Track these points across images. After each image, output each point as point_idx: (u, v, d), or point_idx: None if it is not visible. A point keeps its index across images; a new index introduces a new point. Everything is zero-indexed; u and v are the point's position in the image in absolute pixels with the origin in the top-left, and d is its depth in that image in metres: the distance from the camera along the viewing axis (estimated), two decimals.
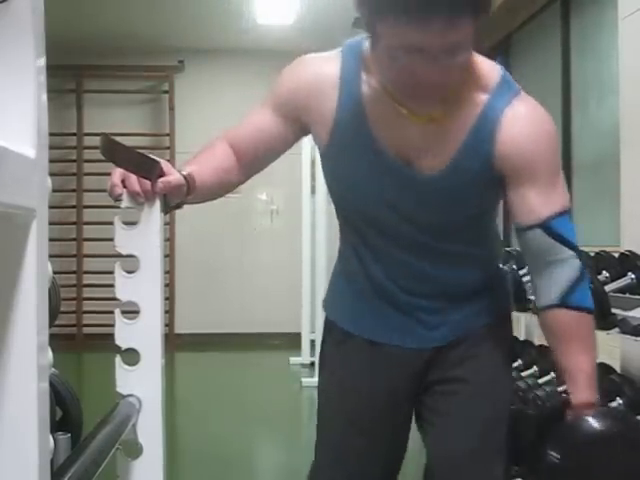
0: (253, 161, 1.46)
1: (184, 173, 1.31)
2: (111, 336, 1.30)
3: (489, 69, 1.34)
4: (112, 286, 1.31)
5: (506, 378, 1.54)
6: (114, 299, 1.32)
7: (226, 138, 1.46)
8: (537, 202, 1.32)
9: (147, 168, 1.27)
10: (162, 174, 1.28)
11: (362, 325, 1.50)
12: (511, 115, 1.30)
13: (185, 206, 1.40)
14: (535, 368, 3.46)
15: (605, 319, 2.80)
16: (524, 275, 2.81)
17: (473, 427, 1.43)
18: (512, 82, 1.35)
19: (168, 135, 7.66)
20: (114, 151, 1.27)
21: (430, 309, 1.46)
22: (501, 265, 1.61)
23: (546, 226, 1.33)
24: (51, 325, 0.94)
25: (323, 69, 1.39)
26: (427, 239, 1.41)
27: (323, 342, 1.59)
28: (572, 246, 1.35)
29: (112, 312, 1.33)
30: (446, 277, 1.44)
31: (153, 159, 1.29)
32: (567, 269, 1.34)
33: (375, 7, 1.20)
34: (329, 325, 1.57)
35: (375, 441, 1.51)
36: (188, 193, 1.32)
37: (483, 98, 1.31)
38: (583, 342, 1.35)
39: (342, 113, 1.35)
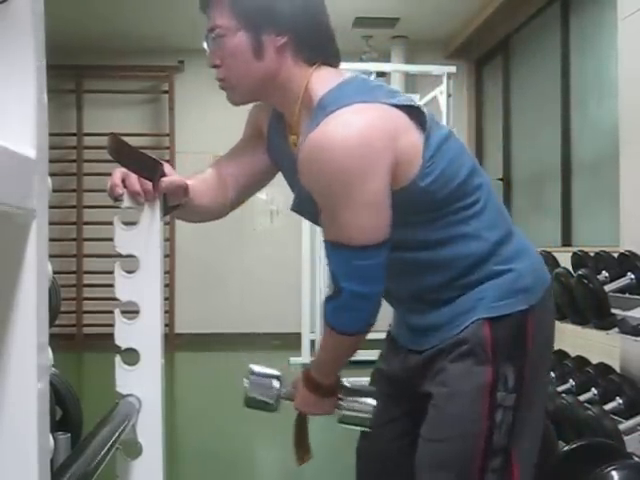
0: (239, 175, 1.56)
1: (181, 178, 1.37)
2: (111, 336, 1.31)
3: (314, 95, 1.36)
4: (112, 286, 1.32)
5: (469, 397, 1.37)
6: (114, 299, 1.32)
7: (215, 163, 1.57)
8: (322, 221, 1.35)
9: (151, 169, 1.29)
10: (163, 175, 1.31)
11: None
12: (307, 142, 1.29)
13: None
14: None
15: (605, 319, 2.81)
16: None
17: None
18: (330, 102, 1.30)
19: (168, 135, 7.66)
20: (121, 151, 1.29)
21: (410, 310, 1.50)
22: (503, 266, 1.40)
23: (325, 246, 1.36)
24: (51, 325, 0.94)
25: None
26: None
27: None
28: (334, 277, 1.36)
29: (112, 312, 1.34)
30: (400, 282, 1.44)
31: (157, 160, 1.31)
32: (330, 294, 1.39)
33: None
34: None
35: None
36: (184, 196, 1.38)
37: (305, 126, 1.36)
38: (325, 345, 1.45)
39: (270, 128, 1.51)
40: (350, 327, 1.38)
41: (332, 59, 1.42)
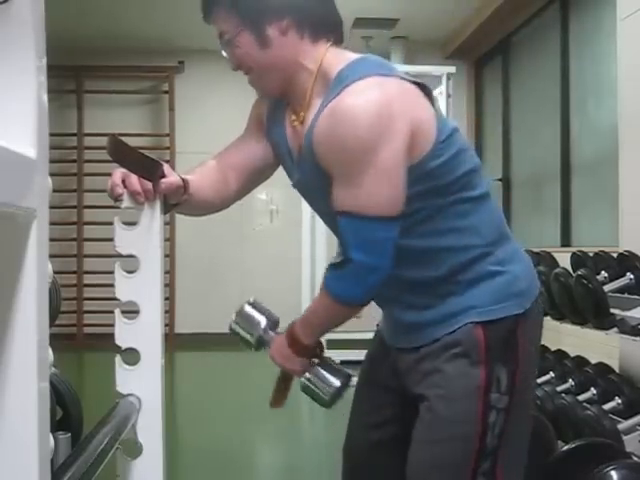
0: (243, 166, 1.56)
1: (181, 176, 1.38)
2: (111, 336, 1.31)
3: (332, 69, 1.38)
4: (112, 286, 1.32)
5: (466, 397, 1.37)
6: (114, 299, 1.32)
7: (217, 156, 1.58)
8: (335, 193, 1.33)
9: (150, 169, 1.30)
10: (163, 175, 1.32)
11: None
12: (327, 111, 1.32)
13: None
14: None
15: (604, 319, 2.81)
16: None
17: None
18: (349, 74, 1.33)
19: (168, 135, 7.66)
20: (121, 152, 1.29)
21: (403, 306, 1.49)
22: (498, 267, 1.40)
23: (338, 218, 1.35)
24: (51, 325, 0.95)
25: None
26: None
27: None
28: (344, 247, 1.35)
29: (112, 312, 1.34)
30: (395, 272, 1.39)
31: (156, 160, 1.31)
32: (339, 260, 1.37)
33: None
34: None
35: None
36: (184, 194, 1.39)
37: (320, 100, 1.38)
38: (316, 309, 1.46)
39: (268, 115, 1.54)
40: (350, 297, 1.38)
41: (335, 33, 1.45)
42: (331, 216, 1.39)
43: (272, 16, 1.37)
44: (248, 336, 1.53)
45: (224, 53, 1.44)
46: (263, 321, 1.53)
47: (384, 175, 1.29)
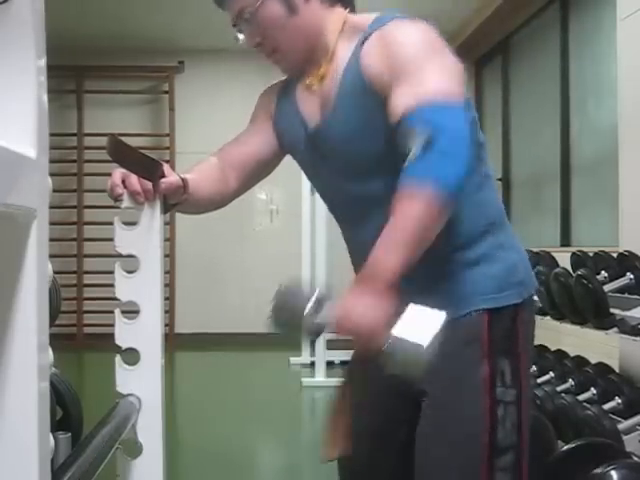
0: (246, 161, 1.54)
1: (181, 176, 1.37)
2: (111, 336, 1.31)
3: (363, 21, 1.38)
4: (112, 286, 1.32)
5: (472, 391, 1.34)
6: (114, 299, 1.32)
7: (218, 151, 1.57)
8: (399, 96, 1.23)
9: (150, 169, 1.30)
10: (163, 175, 1.32)
11: None
12: (375, 34, 1.32)
13: None
14: (534, 368, 3.46)
15: (604, 319, 2.81)
16: None
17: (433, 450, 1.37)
18: (388, 16, 1.35)
19: (168, 135, 7.66)
20: (120, 152, 1.29)
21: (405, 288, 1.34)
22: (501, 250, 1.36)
23: (407, 119, 1.20)
24: (51, 325, 0.95)
25: None
26: (374, 203, 1.33)
27: None
28: (425, 133, 1.15)
29: (112, 312, 1.34)
30: None
31: (156, 160, 1.31)
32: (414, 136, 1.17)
33: None
34: None
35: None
36: (183, 194, 1.38)
37: (357, 38, 1.37)
38: (400, 219, 1.16)
39: (278, 100, 1.53)
40: (451, 177, 1.15)
41: (351, 3, 1.47)
42: (357, 181, 1.36)
43: None
44: (298, 324, 1.20)
45: (239, 35, 1.42)
46: (308, 297, 1.20)
47: (450, 69, 1.27)
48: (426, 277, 1.30)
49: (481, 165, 1.37)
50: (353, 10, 1.47)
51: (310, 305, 1.18)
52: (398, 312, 1.13)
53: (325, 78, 1.41)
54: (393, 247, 1.15)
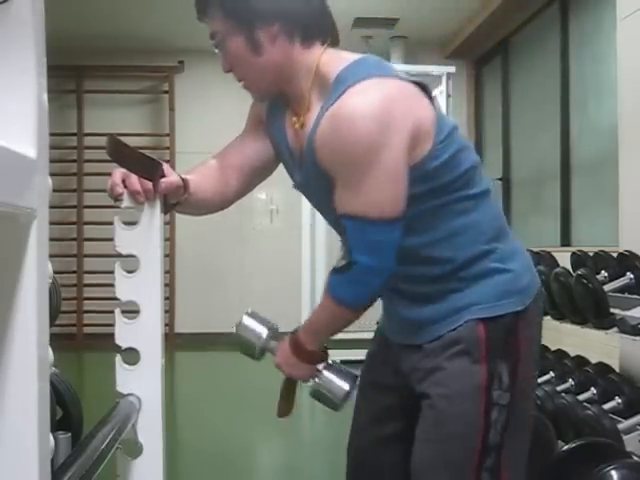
0: (244, 165, 1.56)
1: (181, 176, 1.38)
2: (111, 336, 1.31)
3: (332, 71, 1.37)
4: (112, 286, 1.32)
5: (468, 397, 1.37)
6: (114, 299, 1.32)
7: (219, 153, 1.58)
8: (338, 195, 1.34)
9: (150, 169, 1.30)
10: (163, 175, 1.32)
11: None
12: (329, 114, 1.31)
13: None
14: None
15: (604, 319, 2.81)
16: None
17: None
18: (348, 76, 1.32)
19: (168, 135, 7.66)
20: (120, 152, 1.29)
21: (405, 303, 1.49)
22: (496, 263, 1.40)
23: (342, 221, 1.34)
24: (51, 324, 0.95)
25: None
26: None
27: None
28: (348, 250, 1.34)
29: (112, 312, 1.34)
30: (399, 269, 1.38)
31: (156, 160, 1.31)
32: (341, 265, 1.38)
33: None
34: None
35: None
36: (184, 194, 1.39)
37: (320, 104, 1.37)
38: (319, 313, 1.46)
39: (267, 114, 1.54)
40: (354, 301, 1.39)
41: (329, 35, 1.43)
42: (334, 216, 1.39)
43: (262, 21, 1.36)
44: (251, 348, 1.54)
45: (216, 50, 1.44)
46: (264, 331, 1.53)
47: (386, 177, 1.28)
48: (430, 294, 1.42)
49: (473, 187, 1.40)
50: (335, 40, 1.44)
51: (265, 333, 1.53)
52: (322, 363, 1.50)
53: (304, 127, 1.43)
54: (313, 333, 1.48)
